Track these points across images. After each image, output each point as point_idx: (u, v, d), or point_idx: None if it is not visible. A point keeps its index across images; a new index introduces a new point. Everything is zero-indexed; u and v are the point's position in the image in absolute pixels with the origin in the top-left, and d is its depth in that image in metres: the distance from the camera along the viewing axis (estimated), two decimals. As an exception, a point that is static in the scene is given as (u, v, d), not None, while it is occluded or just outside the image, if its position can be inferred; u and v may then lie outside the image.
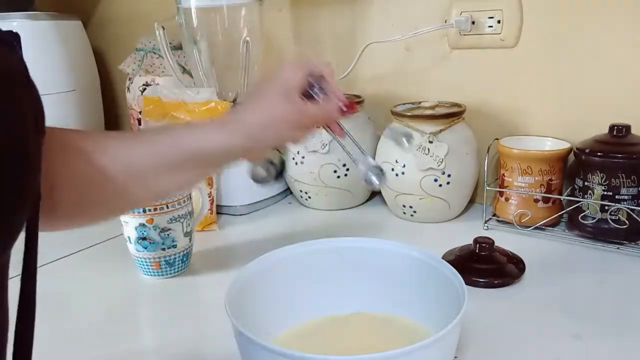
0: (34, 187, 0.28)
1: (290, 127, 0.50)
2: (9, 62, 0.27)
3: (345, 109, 0.52)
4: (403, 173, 0.81)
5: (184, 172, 0.48)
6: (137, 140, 0.48)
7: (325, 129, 0.56)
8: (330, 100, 0.52)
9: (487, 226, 0.81)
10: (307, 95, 0.52)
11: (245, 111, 0.50)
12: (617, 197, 0.71)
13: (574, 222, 0.76)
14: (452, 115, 0.81)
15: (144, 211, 0.66)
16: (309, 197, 0.92)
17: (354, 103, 0.53)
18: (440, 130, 0.79)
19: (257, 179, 0.56)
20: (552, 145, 0.80)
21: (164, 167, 0.47)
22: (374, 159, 0.87)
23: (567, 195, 0.78)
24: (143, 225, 0.67)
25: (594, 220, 0.73)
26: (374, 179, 0.53)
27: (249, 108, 0.50)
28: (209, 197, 0.84)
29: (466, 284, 0.46)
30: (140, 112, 1.02)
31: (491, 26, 0.84)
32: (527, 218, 0.77)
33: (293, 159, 0.90)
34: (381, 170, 0.54)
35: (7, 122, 0.25)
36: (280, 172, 0.56)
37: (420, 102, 0.87)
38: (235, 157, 0.51)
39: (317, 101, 0.52)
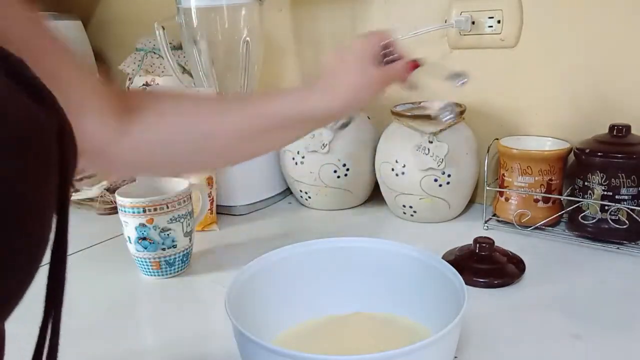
0: (42, 252, 0.27)
1: (377, 87, 0.57)
2: (26, 124, 0.26)
3: (413, 65, 0.62)
4: (403, 173, 0.81)
5: (284, 134, 0.55)
6: (237, 106, 0.53)
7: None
8: (401, 60, 0.60)
9: (487, 226, 0.81)
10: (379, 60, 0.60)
11: (337, 79, 0.55)
12: (617, 197, 0.71)
13: (574, 222, 0.76)
14: (452, 115, 0.81)
15: (144, 211, 0.66)
16: (309, 197, 0.92)
17: (417, 61, 0.63)
18: (440, 130, 0.79)
19: (338, 126, 0.66)
20: (552, 145, 0.80)
21: (268, 129, 0.53)
22: (374, 158, 0.87)
23: (567, 195, 0.78)
24: (143, 225, 0.67)
25: (594, 220, 0.73)
26: (445, 116, 0.65)
27: (339, 76, 0.55)
28: (209, 197, 0.84)
29: (466, 284, 0.46)
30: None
31: (491, 26, 0.84)
32: (527, 218, 0.77)
33: (293, 159, 0.90)
34: (452, 106, 0.65)
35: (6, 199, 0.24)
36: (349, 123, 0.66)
37: (420, 102, 0.87)
38: (333, 118, 0.60)
39: (389, 64, 0.60)
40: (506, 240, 0.73)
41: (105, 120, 0.46)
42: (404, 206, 0.84)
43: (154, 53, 1.09)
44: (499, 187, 0.81)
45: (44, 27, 0.42)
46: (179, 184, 0.72)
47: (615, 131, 0.72)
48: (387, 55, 0.60)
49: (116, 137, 0.46)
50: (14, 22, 0.37)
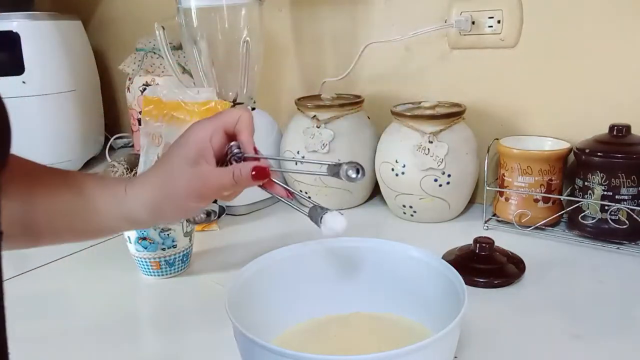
0: None
1: (193, 199, 0.44)
2: None
3: (255, 175, 0.43)
4: (403, 173, 0.81)
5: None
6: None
7: (264, 189, 0.50)
8: (243, 165, 0.45)
9: (487, 226, 0.81)
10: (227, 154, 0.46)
11: (147, 180, 0.45)
12: (617, 197, 0.71)
13: (574, 222, 0.76)
14: (452, 115, 0.81)
15: (144, 211, 0.66)
16: (309, 198, 0.92)
17: (267, 170, 0.45)
18: (440, 130, 0.79)
19: (194, 222, 0.57)
20: (552, 145, 0.80)
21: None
22: (374, 158, 0.87)
23: (567, 195, 0.78)
24: (143, 225, 0.67)
25: (594, 220, 0.73)
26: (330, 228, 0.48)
27: (152, 178, 0.45)
28: (209, 197, 0.84)
29: (466, 284, 0.46)
30: (140, 112, 1.02)
31: (491, 26, 0.84)
32: (527, 218, 0.77)
33: (293, 159, 0.90)
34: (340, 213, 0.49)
35: None
36: (220, 214, 0.55)
37: (420, 102, 0.87)
38: (140, 227, 0.53)
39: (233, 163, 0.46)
40: (506, 240, 0.73)
41: None
42: (404, 206, 0.84)
43: (154, 53, 1.09)
44: (499, 187, 0.81)
45: None
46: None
47: (615, 131, 0.72)
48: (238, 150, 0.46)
49: None
50: None
